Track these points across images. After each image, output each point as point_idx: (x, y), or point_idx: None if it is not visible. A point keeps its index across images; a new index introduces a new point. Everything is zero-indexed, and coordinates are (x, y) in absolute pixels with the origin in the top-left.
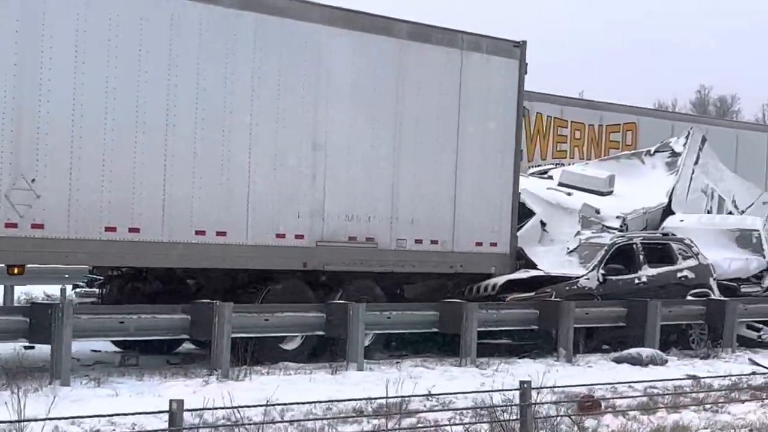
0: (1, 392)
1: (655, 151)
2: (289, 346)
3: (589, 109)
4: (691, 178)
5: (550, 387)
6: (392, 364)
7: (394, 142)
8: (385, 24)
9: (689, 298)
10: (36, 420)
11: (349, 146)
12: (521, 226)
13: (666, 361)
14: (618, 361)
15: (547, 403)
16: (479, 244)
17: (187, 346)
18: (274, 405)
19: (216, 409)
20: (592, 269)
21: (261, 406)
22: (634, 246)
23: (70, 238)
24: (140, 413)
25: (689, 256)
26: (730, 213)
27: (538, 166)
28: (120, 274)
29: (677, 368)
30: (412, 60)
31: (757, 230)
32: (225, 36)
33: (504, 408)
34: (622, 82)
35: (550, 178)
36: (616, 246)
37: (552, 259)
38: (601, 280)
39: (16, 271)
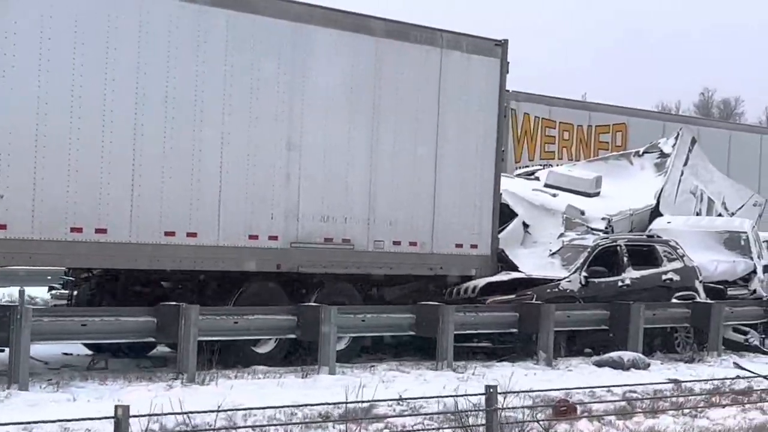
0: None
1: (644, 152)
2: (263, 349)
3: (578, 110)
4: (680, 180)
5: (523, 391)
6: (366, 368)
7: (371, 141)
8: (362, 22)
9: (674, 301)
10: None
11: (324, 146)
12: (503, 228)
13: (648, 365)
14: (599, 364)
15: (516, 408)
16: (459, 245)
17: (162, 349)
18: (227, 410)
19: (165, 414)
20: (575, 271)
21: (213, 411)
22: (618, 248)
23: (34, 239)
24: (85, 419)
25: (674, 258)
26: (720, 215)
27: (526, 167)
28: (91, 276)
29: (660, 372)
30: (390, 59)
31: (745, 232)
32: (196, 33)
33: (474, 413)
34: (622, 83)
35: (537, 179)
36: (600, 248)
37: (534, 261)
38: (583, 282)
39: None
